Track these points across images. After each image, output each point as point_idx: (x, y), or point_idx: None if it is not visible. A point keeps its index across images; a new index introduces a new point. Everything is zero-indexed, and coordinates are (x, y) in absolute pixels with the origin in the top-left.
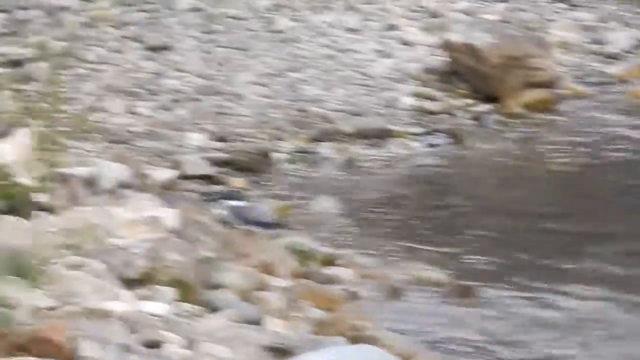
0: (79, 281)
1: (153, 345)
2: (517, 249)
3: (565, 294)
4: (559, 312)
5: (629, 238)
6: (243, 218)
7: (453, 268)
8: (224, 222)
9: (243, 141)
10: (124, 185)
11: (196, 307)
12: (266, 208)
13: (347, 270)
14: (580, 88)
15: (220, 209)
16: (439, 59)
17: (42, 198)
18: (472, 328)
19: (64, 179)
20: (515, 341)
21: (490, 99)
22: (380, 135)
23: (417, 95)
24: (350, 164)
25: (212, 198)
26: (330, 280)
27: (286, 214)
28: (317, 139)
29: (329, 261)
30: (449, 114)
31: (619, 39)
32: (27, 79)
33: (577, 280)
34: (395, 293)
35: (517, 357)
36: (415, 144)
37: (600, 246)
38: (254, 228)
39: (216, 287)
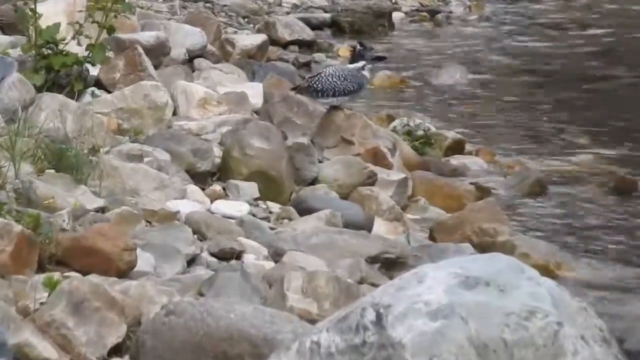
0: (137, 175)
1: (229, 255)
2: None
3: None
4: None
5: None
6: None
7: (610, 158)
8: (318, 97)
9: None
10: (199, 54)
11: (285, 207)
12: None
13: (477, 160)
14: None
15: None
16: None
17: (95, 71)
18: (631, 232)
19: (124, 46)
20: None
21: None
22: None
23: None
24: (486, 25)
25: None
26: (456, 172)
27: (400, 86)
28: None
29: (455, 147)
30: None
31: None
32: None
33: None
34: (537, 188)
35: None
36: None
37: None
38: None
39: (311, 181)
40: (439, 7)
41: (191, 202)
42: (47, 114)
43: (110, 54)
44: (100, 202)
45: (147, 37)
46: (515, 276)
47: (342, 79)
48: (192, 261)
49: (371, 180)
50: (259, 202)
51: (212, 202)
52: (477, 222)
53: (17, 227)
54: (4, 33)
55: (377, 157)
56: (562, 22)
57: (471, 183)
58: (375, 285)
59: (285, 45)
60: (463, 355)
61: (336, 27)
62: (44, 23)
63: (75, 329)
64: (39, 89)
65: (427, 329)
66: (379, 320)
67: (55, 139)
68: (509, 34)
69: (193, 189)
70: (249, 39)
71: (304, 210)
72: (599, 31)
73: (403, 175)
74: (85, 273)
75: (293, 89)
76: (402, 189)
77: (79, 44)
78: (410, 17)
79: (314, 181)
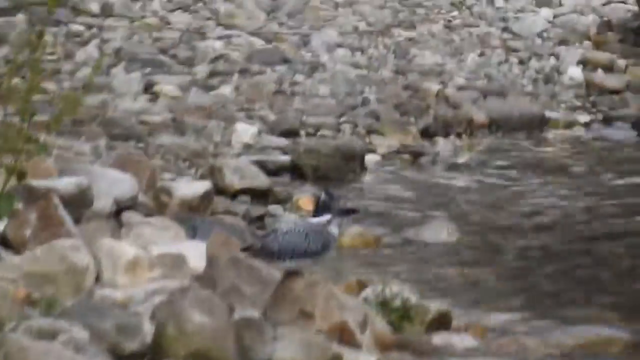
0: (50, 358)
1: None
2: None
3: None
4: None
5: None
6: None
7: (633, 332)
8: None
9: (317, 135)
10: (129, 206)
11: None
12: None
13: (466, 337)
14: None
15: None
16: (626, 9)
17: (0, 226)
18: None
19: (37, 195)
20: None
21: None
22: (530, 126)
23: (589, 65)
24: (479, 170)
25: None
26: (440, 353)
27: (374, 245)
28: (432, 133)
29: (440, 321)
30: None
31: None
32: None
33: None
34: None
35: None
36: (581, 137)
37: None
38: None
39: None
40: (423, 148)
41: None
42: None
43: (19, 205)
44: None
45: (66, 184)
46: None
47: (304, 237)
48: None
49: None
50: None
51: None
52: None
53: None
54: None
55: (343, 334)
56: (572, 170)
57: None
58: None
59: (234, 194)
60: None
61: (297, 172)
62: None
63: None
64: None
65: None
66: None
67: None
68: (506, 183)
69: None
70: (189, 188)
71: None
72: (616, 181)
73: (374, 359)
74: None
75: (243, 249)
76: None
77: None
78: (388, 160)
79: None
